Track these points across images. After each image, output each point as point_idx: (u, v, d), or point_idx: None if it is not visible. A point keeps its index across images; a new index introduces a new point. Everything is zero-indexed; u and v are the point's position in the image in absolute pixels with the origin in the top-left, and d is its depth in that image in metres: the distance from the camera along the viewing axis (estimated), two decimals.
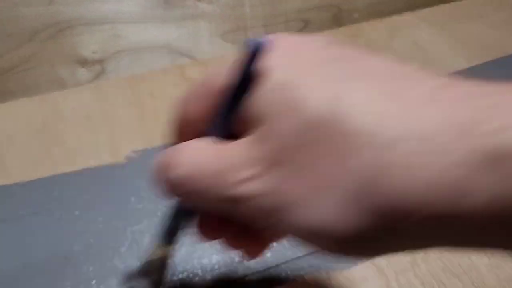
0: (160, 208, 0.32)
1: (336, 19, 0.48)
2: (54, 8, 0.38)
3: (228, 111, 0.17)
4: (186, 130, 0.19)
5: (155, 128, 0.38)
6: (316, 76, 0.15)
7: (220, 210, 0.17)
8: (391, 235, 0.14)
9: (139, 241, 0.30)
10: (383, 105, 0.14)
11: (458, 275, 0.29)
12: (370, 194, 0.13)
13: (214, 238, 0.21)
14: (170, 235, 0.22)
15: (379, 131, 0.13)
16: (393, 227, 0.13)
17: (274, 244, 0.23)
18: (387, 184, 0.13)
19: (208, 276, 0.29)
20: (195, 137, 0.18)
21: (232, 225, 0.20)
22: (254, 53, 0.16)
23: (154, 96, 0.40)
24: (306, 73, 0.15)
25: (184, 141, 0.18)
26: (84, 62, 0.41)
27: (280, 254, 0.30)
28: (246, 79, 0.16)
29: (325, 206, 0.14)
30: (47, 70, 0.40)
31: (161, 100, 0.40)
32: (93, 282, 0.28)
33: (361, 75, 0.15)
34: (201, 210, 0.19)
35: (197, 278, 0.29)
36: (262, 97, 0.16)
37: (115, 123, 0.38)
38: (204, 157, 0.17)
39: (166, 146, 0.19)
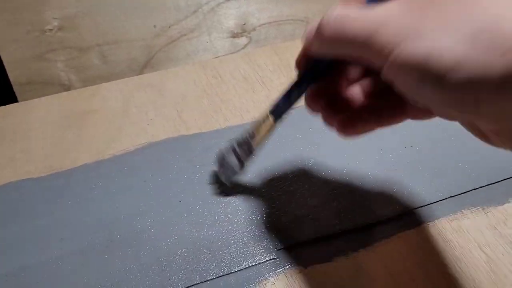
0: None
1: None
2: None
3: None
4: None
5: None
6: None
7: (358, 49, 0.20)
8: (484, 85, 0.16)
9: None
10: None
11: None
12: (487, 33, 0.16)
13: (316, 111, 0.27)
14: (285, 107, 0.29)
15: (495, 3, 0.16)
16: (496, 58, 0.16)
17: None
18: (505, 28, 0.16)
19: None
20: None
21: (332, 104, 0.26)
22: None
23: None
24: None
25: None
26: (234, 33, 0.46)
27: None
28: None
29: (444, 36, 0.17)
30: (204, 39, 0.46)
31: None
32: None
33: None
34: (337, 55, 0.23)
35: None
36: None
37: (269, 85, 0.43)
38: (355, 9, 0.20)
39: None
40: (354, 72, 0.28)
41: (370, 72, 0.28)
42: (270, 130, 0.31)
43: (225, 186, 0.35)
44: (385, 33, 0.19)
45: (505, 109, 0.17)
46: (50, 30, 0.41)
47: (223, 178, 0.34)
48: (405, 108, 0.26)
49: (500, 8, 0.16)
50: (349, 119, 0.26)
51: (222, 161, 0.34)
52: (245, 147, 0.32)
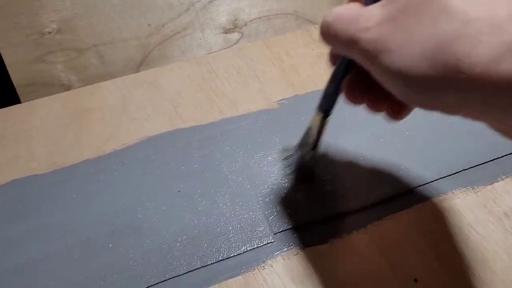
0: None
1: None
2: None
3: None
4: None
5: (297, 81, 0.44)
6: None
7: (346, 50, 0.23)
8: (446, 86, 0.19)
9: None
10: None
11: None
12: (443, 51, 0.18)
13: (358, 102, 0.27)
14: (327, 103, 0.30)
15: (464, 10, 0.18)
16: (450, 78, 0.18)
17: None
18: (457, 48, 0.18)
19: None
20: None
21: (372, 91, 0.26)
22: None
23: (290, 55, 0.46)
24: None
25: None
26: (226, 29, 0.48)
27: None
28: None
29: (409, 55, 0.19)
30: (198, 36, 0.47)
31: (297, 58, 0.46)
32: None
33: None
34: (339, 52, 0.26)
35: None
36: None
37: (262, 77, 0.44)
38: (348, 10, 0.23)
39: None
40: None
41: None
42: (322, 126, 0.32)
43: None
44: (365, 42, 0.21)
45: (471, 114, 0.20)
46: (49, 33, 0.43)
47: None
48: None
49: (462, 19, 0.18)
50: (390, 103, 0.27)
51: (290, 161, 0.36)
52: (305, 148, 0.34)
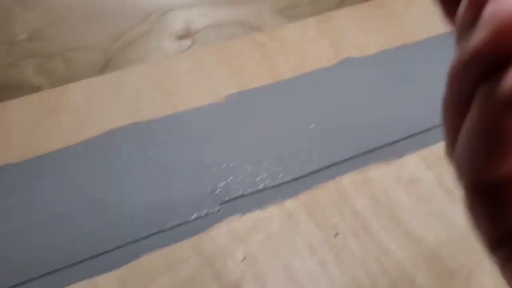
0: None
1: None
2: None
3: None
4: None
5: (244, 79, 0.51)
6: None
7: None
8: None
9: None
10: None
11: None
12: None
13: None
14: None
15: None
16: None
17: None
18: None
19: None
20: None
21: None
22: None
23: (238, 57, 0.53)
24: None
25: None
26: (180, 36, 0.54)
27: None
28: None
29: None
30: (154, 42, 0.53)
31: (244, 59, 0.53)
32: None
33: None
34: None
35: None
36: None
37: (213, 77, 0.51)
38: None
39: None
40: None
41: None
42: None
43: None
44: None
45: None
46: (20, 41, 0.48)
47: None
48: None
49: None
50: None
51: None
52: None
